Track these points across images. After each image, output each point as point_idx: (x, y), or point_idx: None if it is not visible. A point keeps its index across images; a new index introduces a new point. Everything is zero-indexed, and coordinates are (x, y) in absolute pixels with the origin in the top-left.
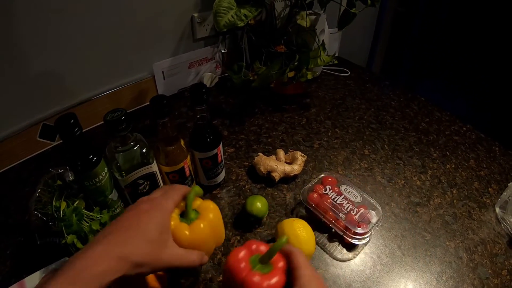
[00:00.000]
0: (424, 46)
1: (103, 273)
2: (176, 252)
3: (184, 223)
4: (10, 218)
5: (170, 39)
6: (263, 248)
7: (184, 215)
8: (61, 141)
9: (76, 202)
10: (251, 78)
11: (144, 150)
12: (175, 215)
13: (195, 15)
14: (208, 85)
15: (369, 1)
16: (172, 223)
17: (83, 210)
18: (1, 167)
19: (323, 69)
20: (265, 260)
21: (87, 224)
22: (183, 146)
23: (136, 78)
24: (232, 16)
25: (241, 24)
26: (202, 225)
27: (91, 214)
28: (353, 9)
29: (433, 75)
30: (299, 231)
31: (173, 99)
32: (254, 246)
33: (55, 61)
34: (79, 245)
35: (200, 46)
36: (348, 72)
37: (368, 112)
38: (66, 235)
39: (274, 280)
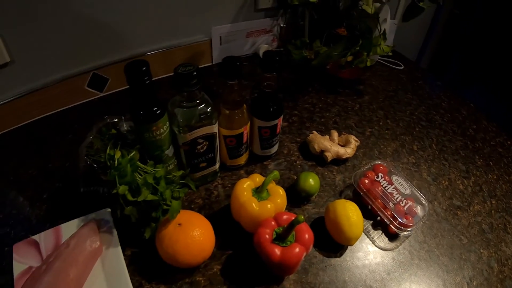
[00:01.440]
0: (474, 51)
1: None
2: None
3: (255, 198)
4: (50, 163)
5: (232, 5)
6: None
7: (258, 191)
8: (115, 90)
9: (132, 153)
10: (308, 56)
11: (209, 110)
12: (249, 188)
13: None
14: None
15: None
16: (245, 193)
17: (138, 162)
18: (45, 112)
19: (378, 59)
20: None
21: (141, 176)
22: (245, 111)
23: (192, 39)
24: None
25: (313, 0)
26: (269, 206)
27: (145, 167)
28: (421, 3)
29: (480, 81)
30: (351, 213)
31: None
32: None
33: (114, 11)
34: (129, 197)
35: (260, 17)
36: (401, 66)
37: (419, 109)
38: (118, 185)
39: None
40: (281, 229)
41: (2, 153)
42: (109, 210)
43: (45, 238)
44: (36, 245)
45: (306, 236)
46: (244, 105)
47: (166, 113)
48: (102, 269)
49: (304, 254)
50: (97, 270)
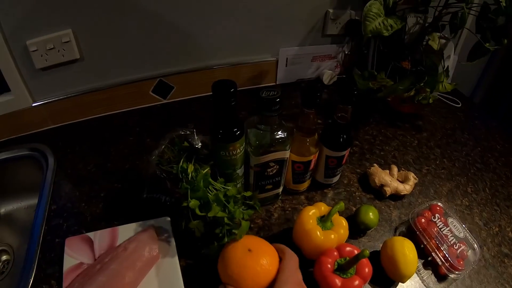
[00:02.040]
0: None
1: None
2: None
3: (319, 227)
4: (109, 162)
5: (302, 29)
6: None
7: (322, 220)
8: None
9: (206, 169)
10: (372, 86)
11: (284, 135)
12: (315, 216)
13: (330, 11)
14: (326, 83)
15: (504, 41)
16: (310, 221)
17: (210, 179)
18: (108, 111)
19: (437, 95)
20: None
21: (211, 192)
22: (316, 139)
23: (259, 58)
24: (380, 24)
25: (386, 33)
26: (333, 236)
27: (216, 184)
28: (488, 44)
29: None
30: (407, 251)
31: (290, 87)
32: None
33: (191, 22)
34: (198, 211)
35: (326, 42)
36: (459, 103)
37: (475, 150)
38: (189, 198)
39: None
40: (343, 260)
41: (62, 144)
42: (169, 219)
43: (100, 237)
44: (90, 242)
45: (366, 270)
46: (316, 133)
47: (244, 135)
48: (156, 277)
49: (362, 287)
50: (151, 277)
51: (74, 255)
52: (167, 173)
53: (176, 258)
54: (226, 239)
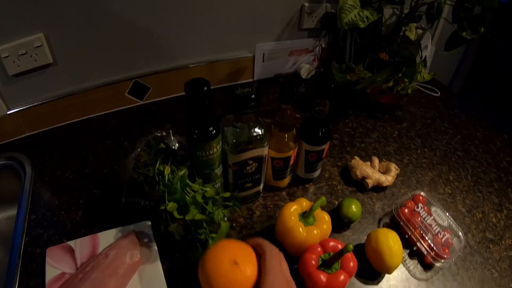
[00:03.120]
0: (508, 77)
1: None
2: None
3: (301, 223)
4: (87, 167)
5: (278, 24)
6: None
7: (304, 216)
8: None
9: (183, 171)
10: (350, 79)
11: (262, 132)
12: (296, 213)
13: (306, 4)
14: (304, 77)
15: (481, 30)
16: (292, 218)
17: (187, 180)
18: (84, 115)
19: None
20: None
21: (189, 194)
22: (295, 134)
23: (236, 55)
24: (355, 16)
25: (362, 25)
26: (315, 232)
27: (194, 185)
28: (464, 33)
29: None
30: (392, 243)
31: (268, 83)
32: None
33: (164, 21)
34: (176, 214)
35: (303, 36)
36: (438, 93)
37: (455, 138)
38: (167, 201)
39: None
40: (327, 255)
41: (39, 152)
42: (149, 223)
43: (81, 245)
44: (71, 251)
45: (351, 264)
46: (294, 128)
47: (220, 134)
48: (140, 283)
49: (348, 281)
50: (134, 283)
51: (56, 265)
52: (144, 177)
53: (159, 262)
54: (210, 242)
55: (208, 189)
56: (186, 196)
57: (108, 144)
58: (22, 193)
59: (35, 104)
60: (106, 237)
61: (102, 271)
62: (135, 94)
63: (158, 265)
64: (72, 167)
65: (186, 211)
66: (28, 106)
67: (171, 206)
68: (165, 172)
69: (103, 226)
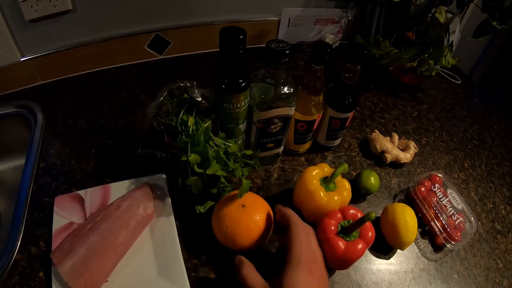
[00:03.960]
0: None
1: None
2: None
3: (323, 188)
4: (101, 118)
5: None
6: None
7: (326, 181)
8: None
9: (208, 123)
10: (375, 53)
11: (291, 90)
12: (318, 177)
13: None
14: None
15: (510, 22)
16: (314, 182)
17: (211, 133)
18: (101, 66)
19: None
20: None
21: (212, 148)
22: (322, 99)
23: (261, 17)
24: None
25: None
26: (336, 198)
27: (217, 139)
28: (495, 22)
29: None
30: (409, 218)
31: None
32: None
33: None
34: (196, 168)
35: (330, 6)
36: (459, 80)
37: (473, 127)
38: (189, 152)
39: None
40: (346, 222)
41: (51, 101)
42: (164, 176)
43: (91, 195)
44: (81, 200)
45: (370, 234)
46: (322, 92)
47: (249, 87)
48: (151, 237)
49: (365, 251)
50: (145, 237)
51: (64, 215)
52: (165, 126)
53: (172, 217)
54: (222, 196)
55: (231, 144)
56: (209, 149)
57: (123, 96)
58: (32, 141)
59: (50, 52)
60: (118, 188)
61: (113, 221)
62: (155, 48)
63: (171, 219)
64: (85, 117)
65: (207, 165)
66: (42, 53)
67: (193, 157)
68: (189, 123)
69: (115, 177)
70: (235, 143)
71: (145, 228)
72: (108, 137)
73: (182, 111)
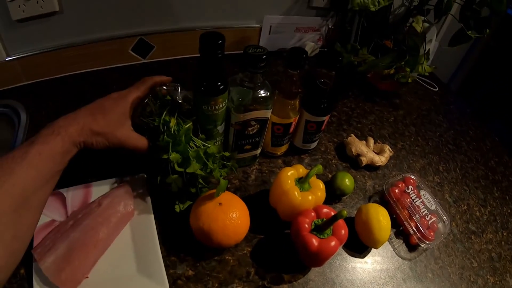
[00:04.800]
0: (505, 84)
1: (73, 132)
2: (130, 134)
3: (297, 188)
4: None
5: None
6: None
7: (300, 181)
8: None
9: (189, 124)
10: (353, 60)
11: (268, 94)
12: (293, 177)
13: None
14: (308, 54)
15: (486, 31)
16: (289, 181)
17: (191, 134)
18: (86, 68)
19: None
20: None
21: (192, 149)
22: (298, 104)
23: (243, 23)
24: None
25: (373, 8)
26: (310, 197)
27: (197, 140)
28: (470, 32)
29: (506, 114)
30: (382, 218)
31: (271, 56)
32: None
33: None
34: (176, 167)
35: (311, 14)
36: (436, 88)
37: (448, 132)
38: (170, 151)
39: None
40: (320, 221)
41: (35, 101)
42: (145, 176)
43: (73, 194)
44: (62, 198)
45: (343, 232)
46: (298, 96)
47: (227, 90)
48: (131, 234)
49: (338, 248)
50: (126, 234)
51: (46, 212)
52: (148, 126)
53: (152, 215)
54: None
55: (210, 145)
56: (189, 150)
57: None
58: (15, 140)
59: (36, 52)
60: (100, 187)
61: (95, 218)
62: (139, 51)
63: (151, 217)
64: None
65: (187, 164)
66: (28, 54)
67: (174, 156)
68: (171, 124)
69: (97, 177)
70: (214, 145)
71: (125, 226)
72: None
73: (165, 112)
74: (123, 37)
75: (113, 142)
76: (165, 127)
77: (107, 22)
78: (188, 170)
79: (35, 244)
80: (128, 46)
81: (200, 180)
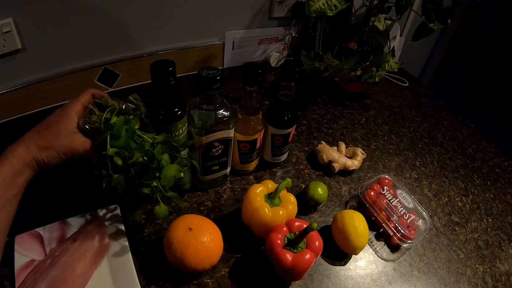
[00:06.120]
0: (476, 72)
1: (20, 152)
2: (76, 139)
3: (267, 204)
4: None
5: (248, 12)
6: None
7: (270, 197)
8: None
9: (130, 117)
10: (318, 67)
11: (227, 114)
12: (262, 194)
13: None
14: (273, 65)
15: (448, 21)
16: (258, 199)
17: (137, 130)
18: (57, 101)
19: (384, 74)
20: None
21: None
22: (261, 118)
23: (206, 42)
24: (323, 4)
25: (330, 13)
26: (281, 212)
27: (144, 135)
28: (432, 24)
29: (479, 101)
30: (358, 223)
31: (237, 70)
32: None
33: (135, 7)
34: (119, 161)
35: (273, 25)
36: (406, 83)
37: (422, 126)
38: (109, 146)
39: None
40: (292, 235)
41: (8, 139)
42: (118, 207)
43: (49, 231)
44: (40, 238)
45: (317, 243)
46: (260, 112)
47: (186, 115)
48: (108, 266)
49: (314, 260)
50: (103, 267)
51: (25, 253)
52: (92, 129)
53: (127, 246)
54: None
55: (158, 136)
56: (132, 144)
57: None
58: None
59: (5, 91)
60: (75, 223)
61: (71, 255)
62: (105, 81)
63: (126, 248)
64: None
65: (132, 158)
66: None
67: (112, 150)
68: (112, 119)
69: (71, 212)
70: (163, 135)
71: (103, 259)
72: (63, 172)
73: (107, 111)
74: (88, 68)
75: (62, 151)
76: (105, 123)
77: (70, 55)
78: (129, 161)
79: (17, 285)
80: (94, 76)
81: (155, 183)
